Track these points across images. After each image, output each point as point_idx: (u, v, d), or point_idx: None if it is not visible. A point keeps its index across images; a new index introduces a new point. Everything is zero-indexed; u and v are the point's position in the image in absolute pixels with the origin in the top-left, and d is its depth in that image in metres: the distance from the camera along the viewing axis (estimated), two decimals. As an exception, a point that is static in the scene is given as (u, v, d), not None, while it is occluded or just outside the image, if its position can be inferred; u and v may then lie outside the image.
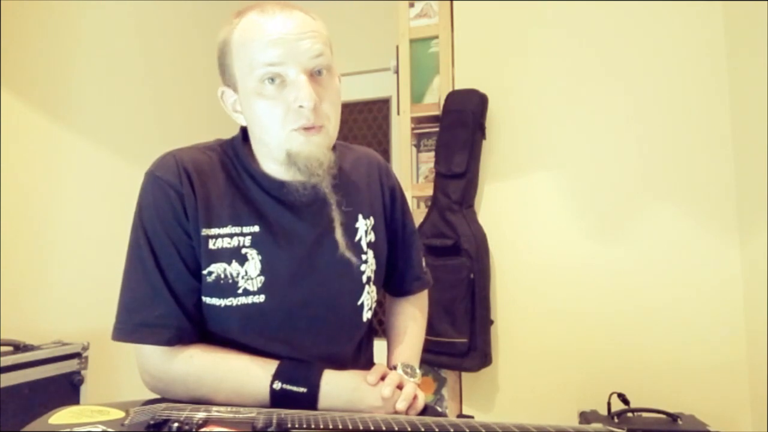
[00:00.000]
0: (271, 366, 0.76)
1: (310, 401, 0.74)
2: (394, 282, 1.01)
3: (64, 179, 1.94)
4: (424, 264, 1.04)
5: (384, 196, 0.95)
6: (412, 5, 2.05)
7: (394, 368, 0.84)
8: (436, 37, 2.00)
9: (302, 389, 0.74)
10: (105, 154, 2.11)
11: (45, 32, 1.90)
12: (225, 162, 0.83)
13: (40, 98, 1.87)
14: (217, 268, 0.77)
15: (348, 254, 0.82)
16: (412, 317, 1.00)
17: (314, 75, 0.77)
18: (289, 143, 0.76)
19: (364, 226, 0.89)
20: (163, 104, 2.43)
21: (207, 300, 0.78)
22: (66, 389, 1.63)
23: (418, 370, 0.87)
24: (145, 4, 2.33)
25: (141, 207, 0.78)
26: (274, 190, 0.81)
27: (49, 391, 1.58)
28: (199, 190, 0.78)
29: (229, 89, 0.82)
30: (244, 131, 0.85)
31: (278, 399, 0.74)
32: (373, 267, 0.89)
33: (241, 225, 0.79)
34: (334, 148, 0.90)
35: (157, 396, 0.78)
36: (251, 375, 0.75)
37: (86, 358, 1.69)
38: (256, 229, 0.79)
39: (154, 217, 0.77)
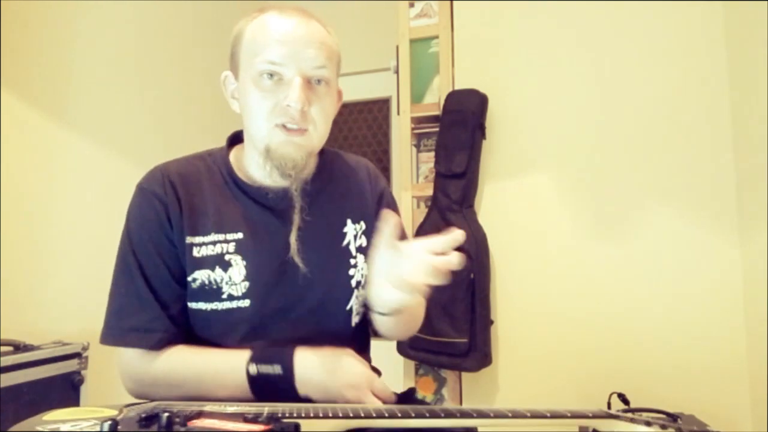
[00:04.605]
0: (247, 352, 0.77)
1: (286, 379, 0.74)
2: None
3: (63, 179, 1.94)
4: None
5: (373, 201, 0.95)
6: (412, 5, 2.05)
7: None
8: (436, 37, 2.00)
9: (277, 368, 0.74)
10: (105, 154, 2.11)
11: (45, 32, 1.90)
12: (212, 171, 0.85)
13: (40, 98, 1.87)
14: (201, 275, 0.79)
15: (297, 259, 0.81)
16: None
17: (312, 82, 0.79)
18: (270, 138, 0.78)
19: (353, 230, 0.89)
20: (164, 104, 2.43)
21: (193, 305, 0.79)
22: (66, 389, 1.63)
23: None
24: (146, 4, 2.33)
25: (128, 218, 0.82)
26: (259, 196, 0.83)
27: (49, 391, 1.57)
28: (185, 200, 0.80)
29: (232, 75, 0.85)
30: (230, 140, 0.89)
31: (257, 384, 0.74)
32: (364, 272, 0.89)
33: (225, 232, 0.80)
34: (323, 153, 0.92)
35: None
36: (229, 362, 0.76)
37: (86, 358, 1.69)
38: (239, 235, 0.81)
39: (141, 226, 0.80)
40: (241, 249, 0.80)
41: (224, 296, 0.78)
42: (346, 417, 0.63)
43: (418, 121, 2.03)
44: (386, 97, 3.11)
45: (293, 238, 0.82)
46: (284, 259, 0.81)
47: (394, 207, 1.00)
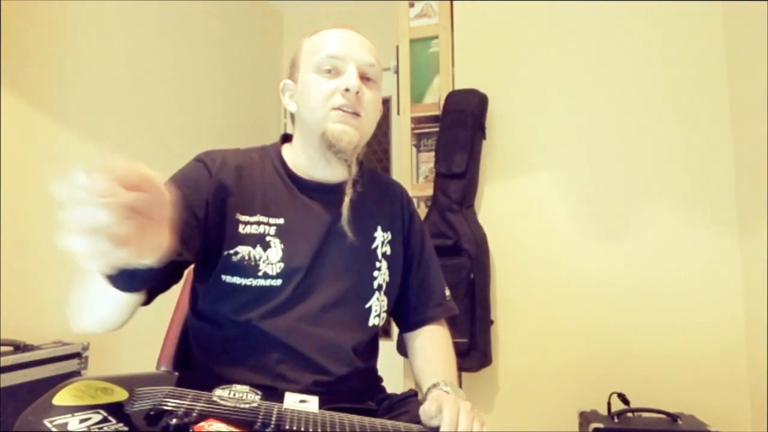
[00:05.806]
0: None
1: None
2: (414, 308, 1.00)
3: (63, 179, 1.94)
4: (448, 293, 1.03)
5: (404, 217, 1.01)
6: (412, 5, 2.05)
7: (435, 386, 0.85)
8: (436, 37, 2.00)
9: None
10: (105, 154, 2.11)
11: (45, 32, 1.90)
12: (265, 161, 0.92)
13: (40, 98, 1.87)
14: (243, 250, 0.84)
15: (346, 228, 0.88)
16: (440, 349, 0.98)
17: (363, 77, 0.88)
18: (326, 120, 0.86)
19: (381, 237, 0.95)
20: (164, 105, 2.43)
21: (228, 278, 0.84)
22: (66, 389, 1.63)
23: (459, 390, 0.87)
24: (146, 4, 2.33)
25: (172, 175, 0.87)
26: (306, 187, 0.90)
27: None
28: (234, 180, 0.87)
29: (291, 81, 0.94)
30: (283, 139, 0.97)
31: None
32: (386, 278, 0.94)
33: (269, 216, 0.87)
34: (362, 164, 0.98)
35: (161, 371, 0.84)
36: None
37: (86, 358, 1.69)
38: (281, 221, 0.87)
39: (176, 178, 0.85)
40: (280, 233, 0.86)
41: (260, 273, 0.83)
42: (353, 431, 0.64)
43: (418, 121, 2.03)
44: (386, 97, 3.10)
45: (345, 209, 0.89)
46: (318, 248, 0.87)
47: (423, 231, 1.06)
